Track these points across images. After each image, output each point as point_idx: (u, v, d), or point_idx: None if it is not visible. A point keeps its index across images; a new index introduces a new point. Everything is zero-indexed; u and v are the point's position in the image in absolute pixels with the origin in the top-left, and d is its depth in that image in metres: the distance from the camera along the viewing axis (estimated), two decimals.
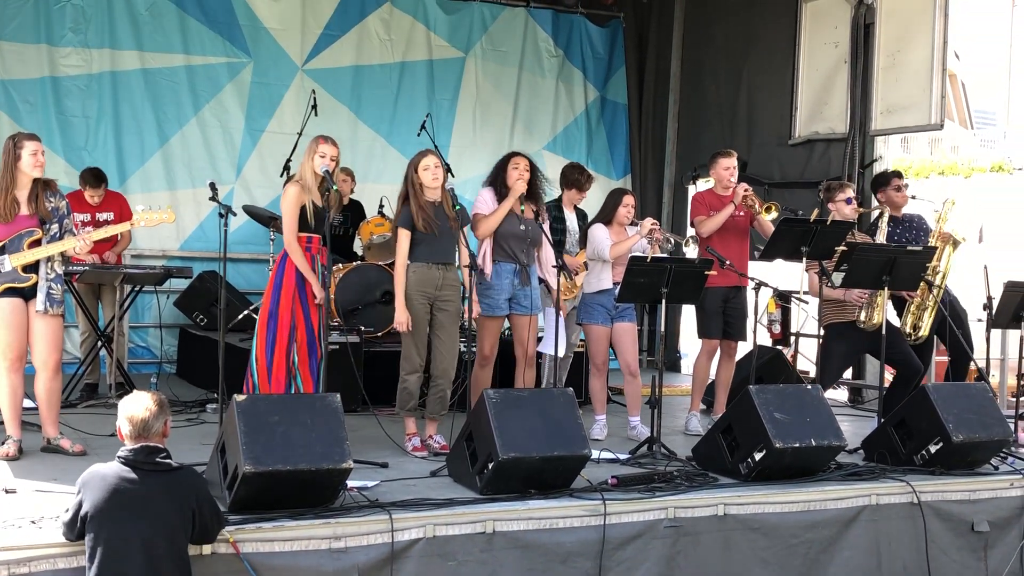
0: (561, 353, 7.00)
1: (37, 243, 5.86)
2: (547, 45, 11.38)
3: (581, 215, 7.76)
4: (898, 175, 8.08)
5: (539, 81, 11.35)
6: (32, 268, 5.84)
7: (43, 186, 5.95)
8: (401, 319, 6.24)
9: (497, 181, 6.71)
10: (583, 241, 7.30)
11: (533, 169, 6.75)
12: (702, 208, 7.46)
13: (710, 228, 7.30)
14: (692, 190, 10.47)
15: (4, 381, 5.83)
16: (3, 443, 5.80)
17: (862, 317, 7.31)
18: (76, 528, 4.10)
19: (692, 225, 7.56)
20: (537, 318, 6.88)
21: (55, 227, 5.92)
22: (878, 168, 9.08)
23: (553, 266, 6.67)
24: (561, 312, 7.05)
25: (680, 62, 11.34)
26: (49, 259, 5.88)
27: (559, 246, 7.37)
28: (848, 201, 7.51)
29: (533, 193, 6.76)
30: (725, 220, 7.30)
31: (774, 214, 7.40)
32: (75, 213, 7.83)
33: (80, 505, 4.06)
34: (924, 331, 7.61)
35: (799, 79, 9.79)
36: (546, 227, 6.88)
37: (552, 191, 7.29)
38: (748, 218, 7.50)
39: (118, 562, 3.96)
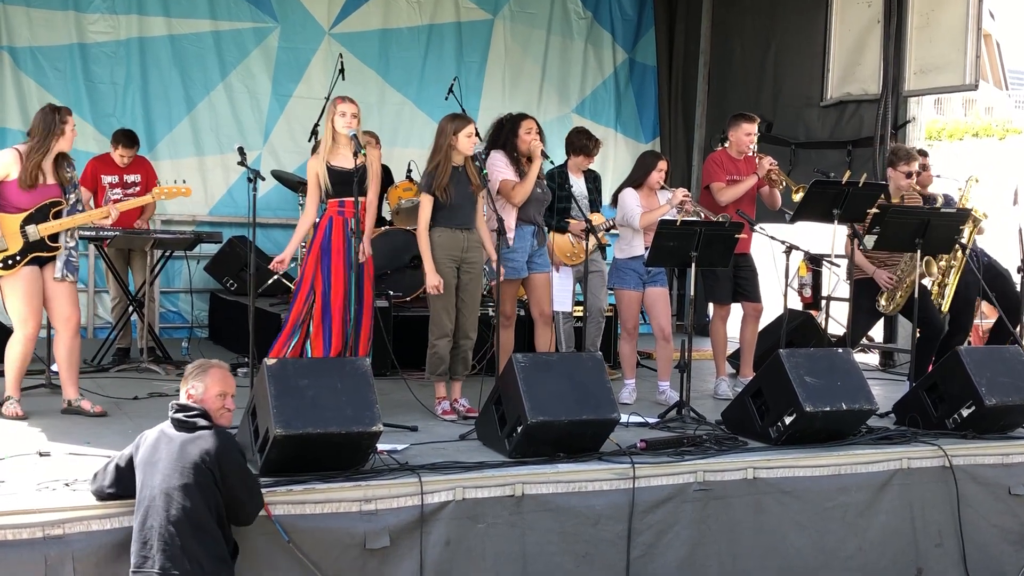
0: (560, 307, 7.10)
1: (59, 213, 5.94)
2: (575, 7, 11.28)
3: (593, 177, 7.71)
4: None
5: (568, 43, 11.26)
6: (53, 237, 5.93)
7: (62, 156, 6.02)
8: (434, 282, 6.21)
9: (508, 144, 6.67)
10: (613, 202, 7.26)
11: (541, 132, 6.75)
12: (719, 173, 7.37)
13: (730, 197, 7.22)
14: None
15: (19, 347, 5.92)
16: (4, 403, 5.90)
17: (883, 302, 7.30)
18: (106, 474, 4.24)
19: (706, 188, 7.48)
20: (551, 275, 6.94)
21: (72, 196, 6.03)
22: (911, 129, 8.97)
23: (583, 230, 6.72)
24: (556, 266, 7.24)
25: (710, 23, 11.20)
26: (71, 228, 5.97)
27: (564, 213, 7.39)
28: (908, 176, 7.42)
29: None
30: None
31: (801, 196, 7.32)
32: (103, 175, 7.94)
33: (121, 457, 4.21)
34: (945, 306, 7.55)
35: (831, 39, 9.65)
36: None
37: None
38: (757, 184, 7.43)
39: (146, 515, 4.05)
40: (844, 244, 7.27)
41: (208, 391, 4.28)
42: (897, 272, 7.34)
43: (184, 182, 6.68)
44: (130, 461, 4.19)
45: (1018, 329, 7.79)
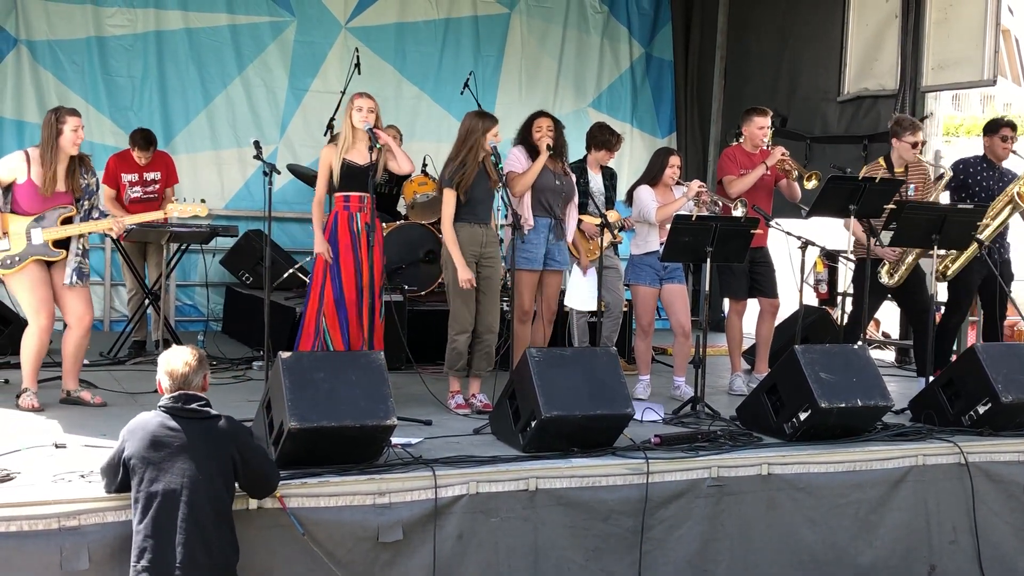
0: (585, 307, 7.03)
1: (69, 220, 5.96)
2: (592, 1, 11.25)
3: (609, 174, 7.72)
4: (1011, 127, 7.79)
5: (584, 38, 11.23)
6: (61, 243, 5.95)
7: (79, 161, 6.05)
8: (465, 276, 6.21)
9: (525, 141, 6.69)
10: (627, 200, 7.25)
11: (557, 127, 6.72)
12: (733, 167, 7.36)
13: (740, 189, 7.18)
14: None
15: (34, 339, 5.95)
16: (21, 395, 5.93)
17: (885, 276, 7.32)
18: (116, 477, 4.17)
19: (719, 183, 7.47)
20: (563, 274, 6.93)
21: (86, 203, 6.04)
22: (928, 125, 8.93)
23: (597, 225, 6.70)
24: (583, 268, 7.16)
25: (727, 18, 11.17)
26: (80, 236, 5.99)
27: (582, 208, 7.37)
28: (913, 146, 7.40)
29: (559, 152, 6.72)
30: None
31: (814, 183, 7.30)
32: (123, 174, 7.96)
33: (121, 453, 4.13)
34: (941, 278, 7.55)
35: (848, 34, 9.62)
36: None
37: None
38: (774, 177, 7.41)
39: (160, 509, 4.02)
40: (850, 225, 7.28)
41: (194, 376, 4.24)
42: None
43: (204, 201, 6.60)
44: (124, 460, 4.13)
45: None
